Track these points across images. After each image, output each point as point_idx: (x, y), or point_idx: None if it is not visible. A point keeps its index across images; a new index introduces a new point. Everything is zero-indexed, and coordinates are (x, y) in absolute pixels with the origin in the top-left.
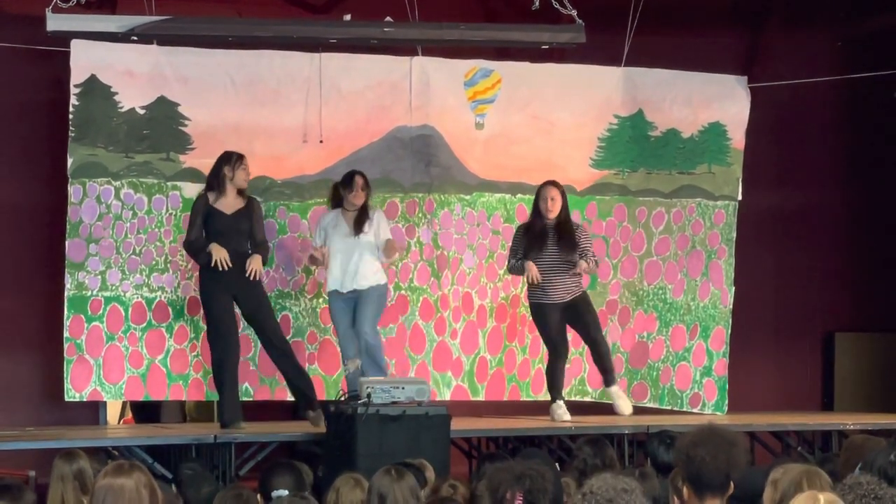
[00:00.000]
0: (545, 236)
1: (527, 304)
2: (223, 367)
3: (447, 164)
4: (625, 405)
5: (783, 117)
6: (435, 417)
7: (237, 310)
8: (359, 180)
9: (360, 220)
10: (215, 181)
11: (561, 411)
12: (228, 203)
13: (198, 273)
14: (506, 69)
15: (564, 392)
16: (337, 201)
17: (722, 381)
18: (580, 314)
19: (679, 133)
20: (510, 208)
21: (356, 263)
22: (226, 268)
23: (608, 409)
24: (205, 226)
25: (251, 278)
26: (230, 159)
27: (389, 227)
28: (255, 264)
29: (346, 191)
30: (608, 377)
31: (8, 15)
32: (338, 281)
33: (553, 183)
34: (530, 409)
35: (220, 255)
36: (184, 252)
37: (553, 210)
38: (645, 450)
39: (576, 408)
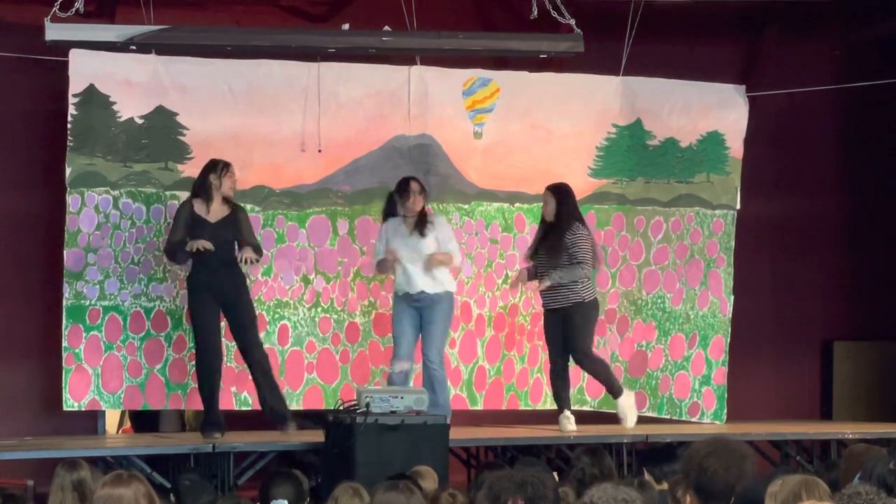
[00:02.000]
0: (540, 241)
1: (525, 312)
2: (202, 380)
3: (446, 173)
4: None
5: (781, 126)
6: (433, 427)
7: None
8: (414, 186)
9: (420, 224)
10: (201, 189)
11: (566, 422)
12: (213, 211)
13: (186, 285)
14: (504, 78)
15: None
16: (390, 211)
17: (721, 390)
18: (564, 326)
19: (677, 142)
20: (508, 217)
21: (419, 267)
22: (203, 249)
23: (607, 418)
24: (189, 233)
25: (244, 262)
26: (216, 167)
27: (453, 236)
28: (246, 253)
29: (402, 198)
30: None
31: (6, 24)
32: (401, 285)
33: (549, 186)
34: (529, 418)
35: (197, 243)
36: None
37: (548, 213)
38: (642, 457)
39: (574, 417)
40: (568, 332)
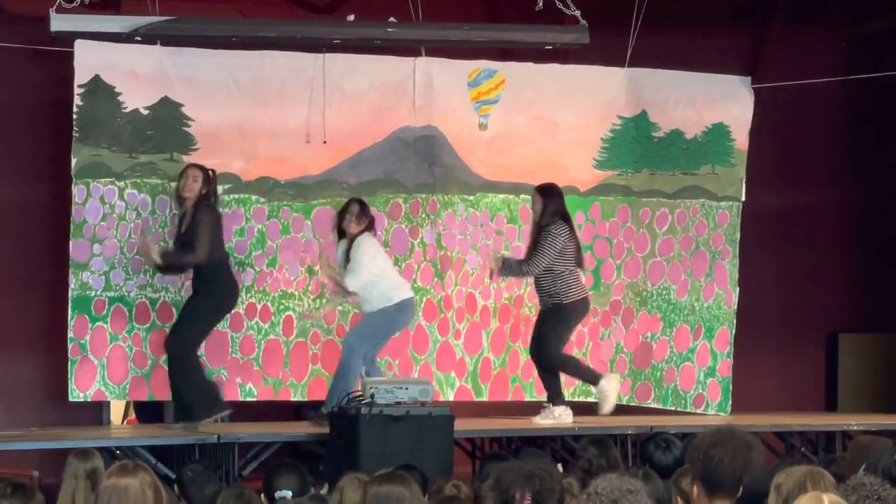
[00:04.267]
0: (530, 241)
1: (530, 304)
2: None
3: (451, 164)
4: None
5: (787, 118)
6: (438, 418)
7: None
8: (353, 208)
9: (349, 251)
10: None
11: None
12: None
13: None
14: (509, 70)
15: (567, 393)
16: (342, 233)
17: (726, 382)
18: (537, 326)
19: (682, 134)
20: (513, 209)
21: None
22: None
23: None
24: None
25: None
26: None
27: (365, 261)
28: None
29: (340, 220)
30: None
31: (11, 15)
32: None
33: (537, 186)
34: (534, 409)
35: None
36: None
37: (535, 213)
38: (643, 452)
39: (579, 408)
40: (537, 333)
